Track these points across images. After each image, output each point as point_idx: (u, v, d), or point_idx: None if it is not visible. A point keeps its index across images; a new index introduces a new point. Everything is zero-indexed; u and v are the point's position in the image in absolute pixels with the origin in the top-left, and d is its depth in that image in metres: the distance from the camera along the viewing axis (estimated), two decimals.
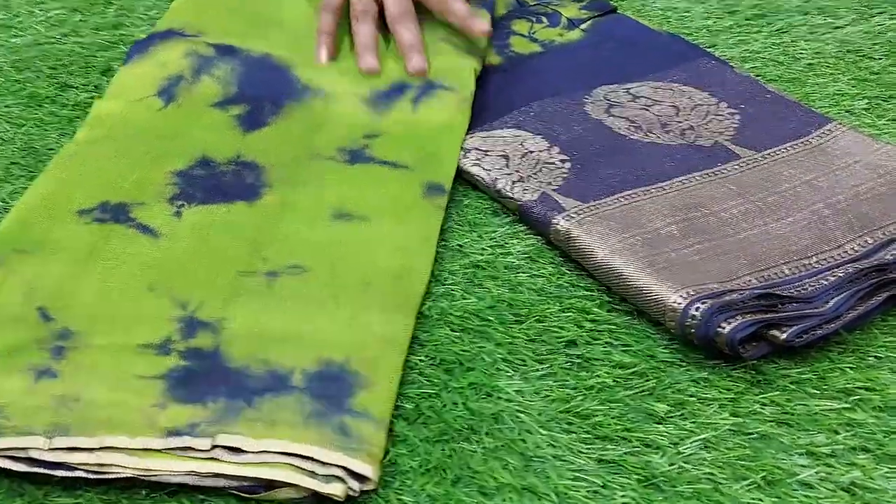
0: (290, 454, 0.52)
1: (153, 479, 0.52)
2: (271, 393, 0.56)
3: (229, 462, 0.52)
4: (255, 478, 0.52)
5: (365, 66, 0.82)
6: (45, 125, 0.79)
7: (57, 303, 0.61)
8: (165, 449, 0.53)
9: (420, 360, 0.60)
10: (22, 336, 0.59)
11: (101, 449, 0.52)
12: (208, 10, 0.88)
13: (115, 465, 0.52)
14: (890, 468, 0.54)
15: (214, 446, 0.52)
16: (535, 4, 0.93)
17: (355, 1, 0.84)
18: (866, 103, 0.81)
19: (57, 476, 0.53)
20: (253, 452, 0.52)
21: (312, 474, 0.52)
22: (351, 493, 0.51)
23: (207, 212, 0.69)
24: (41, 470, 0.53)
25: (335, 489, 0.51)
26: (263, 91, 0.80)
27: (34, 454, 0.52)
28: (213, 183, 0.72)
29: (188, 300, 0.62)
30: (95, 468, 0.52)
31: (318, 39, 0.84)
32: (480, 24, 0.83)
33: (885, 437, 0.55)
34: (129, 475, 0.52)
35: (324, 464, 0.52)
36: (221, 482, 0.52)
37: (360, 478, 0.52)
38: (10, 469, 0.53)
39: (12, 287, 0.62)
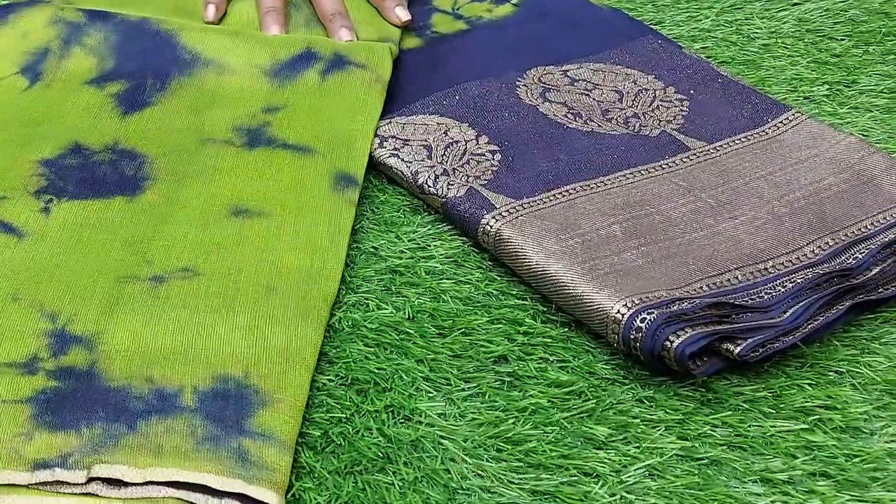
0: (179, 484, 0.52)
1: None
2: (157, 415, 0.55)
3: (108, 497, 0.52)
4: None
5: (270, 34, 0.82)
6: None
7: None
8: (32, 484, 0.52)
9: (329, 381, 0.60)
10: None
11: None
12: None
13: None
14: (852, 495, 0.55)
15: (91, 479, 0.52)
16: None
17: None
18: (827, 89, 0.83)
19: None
20: (136, 484, 0.52)
21: None
22: None
23: (81, 208, 0.68)
24: None
25: None
26: (145, 63, 0.79)
27: None
28: (87, 175, 0.71)
29: (58, 311, 0.61)
30: None
31: None
32: (399, 11, 0.84)
33: (846, 460, 0.57)
34: None
35: (219, 493, 0.51)
36: None
37: None
38: None
39: None
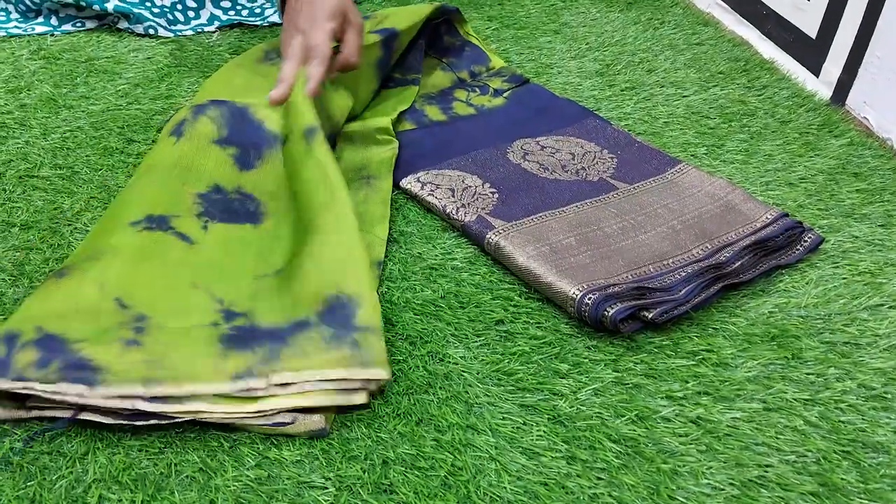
0: (324, 381, 0.52)
1: (224, 421, 0.52)
2: (299, 332, 0.55)
3: (283, 395, 0.51)
4: (285, 410, 0.51)
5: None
6: (115, 170, 0.78)
7: (126, 295, 0.60)
8: (233, 393, 0.51)
9: (392, 336, 0.61)
10: (109, 320, 0.57)
11: (187, 397, 0.51)
12: (220, 88, 0.85)
13: (200, 412, 0.51)
14: (724, 406, 0.55)
15: (269, 385, 0.52)
16: (471, 81, 0.94)
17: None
18: (705, 150, 0.83)
19: (138, 424, 0.51)
20: (297, 384, 0.52)
21: (343, 391, 0.52)
22: (371, 394, 0.53)
23: (226, 229, 0.67)
24: (123, 421, 0.51)
25: (361, 397, 0.52)
26: (246, 138, 0.75)
27: (138, 404, 0.51)
28: (227, 206, 0.69)
29: (223, 297, 0.61)
30: (176, 415, 0.51)
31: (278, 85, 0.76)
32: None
33: (721, 384, 0.57)
34: (214, 420, 0.51)
35: (351, 380, 0.52)
36: (259, 421, 0.51)
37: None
38: (93, 420, 0.52)
39: (87, 286, 0.60)
